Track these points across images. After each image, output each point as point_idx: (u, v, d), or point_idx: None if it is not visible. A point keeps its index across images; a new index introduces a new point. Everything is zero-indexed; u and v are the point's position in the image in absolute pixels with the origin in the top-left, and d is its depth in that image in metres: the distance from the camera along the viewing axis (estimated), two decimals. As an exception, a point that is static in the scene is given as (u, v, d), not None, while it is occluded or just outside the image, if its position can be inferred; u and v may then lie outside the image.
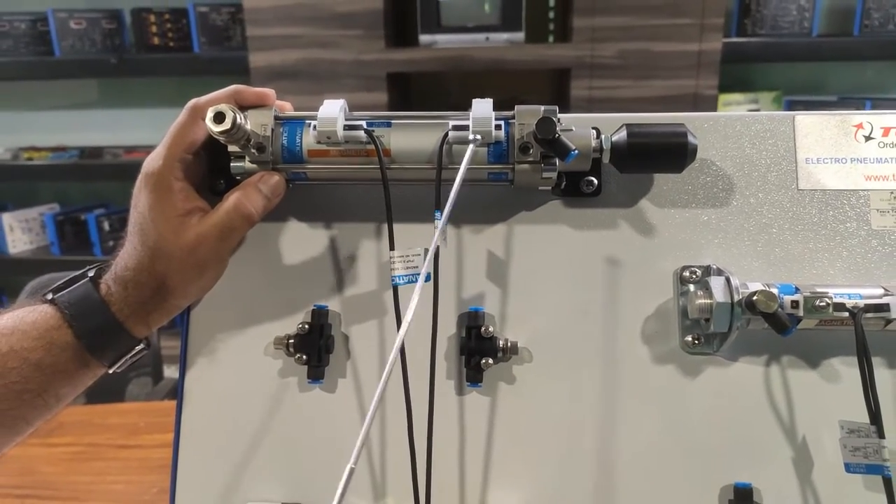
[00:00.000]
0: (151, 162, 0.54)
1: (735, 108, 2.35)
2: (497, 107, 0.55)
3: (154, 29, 2.49)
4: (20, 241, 2.73)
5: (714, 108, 2.18)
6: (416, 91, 2.56)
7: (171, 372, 1.81)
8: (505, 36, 2.20)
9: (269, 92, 0.57)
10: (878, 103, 2.27)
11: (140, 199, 0.54)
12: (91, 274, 0.55)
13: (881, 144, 0.58)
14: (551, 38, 2.31)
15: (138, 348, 0.56)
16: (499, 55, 2.18)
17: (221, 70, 2.43)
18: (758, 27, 2.26)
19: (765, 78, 2.47)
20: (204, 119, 0.54)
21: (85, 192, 2.88)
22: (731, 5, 2.28)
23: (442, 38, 2.21)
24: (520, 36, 2.19)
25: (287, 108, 0.58)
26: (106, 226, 2.64)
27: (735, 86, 2.37)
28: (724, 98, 2.29)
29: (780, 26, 2.25)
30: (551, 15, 2.31)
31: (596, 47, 2.12)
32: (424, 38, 2.21)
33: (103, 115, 2.79)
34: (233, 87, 0.56)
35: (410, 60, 2.22)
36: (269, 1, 2.16)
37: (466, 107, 0.55)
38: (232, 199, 0.55)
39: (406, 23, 2.36)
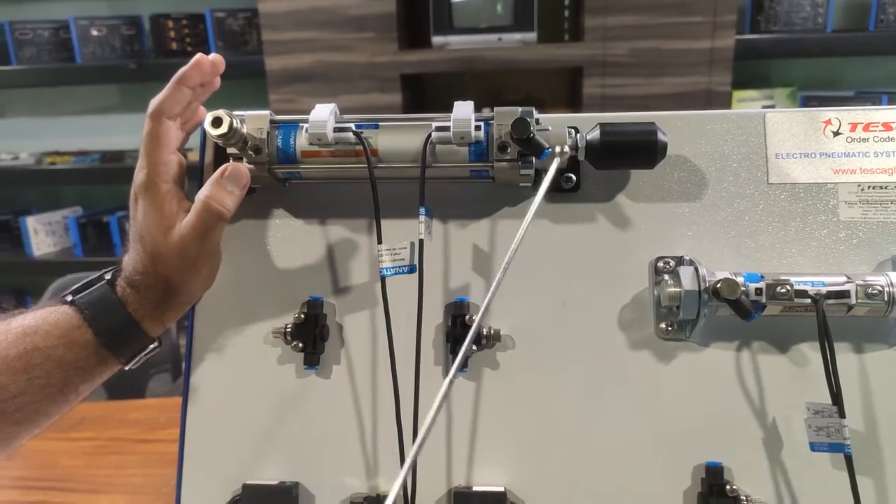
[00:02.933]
0: (138, 174, 0.58)
1: (749, 105, 2.35)
2: (511, 106, 0.57)
3: (172, 34, 2.53)
4: (44, 244, 2.78)
5: (728, 105, 2.18)
6: (430, 92, 2.59)
7: (190, 369, 1.84)
8: (517, 36, 2.21)
9: (201, 59, 0.58)
10: (895, 97, 2.26)
11: (136, 209, 0.58)
12: (108, 277, 0.59)
13: (849, 139, 0.60)
14: (566, 37, 2.33)
15: (152, 346, 0.59)
16: (511, 55, 2.20)
17: (238, 74, 2.47)
18: (771, 23, 2.26)
19: (780, 74, 2.46)
20: (168, 117, 0.57)
21: (107, 195, 2.93)
22: (744, 2, 2.28)
23: (454, 40, 2.23)
24: (532, 36, 2.20)
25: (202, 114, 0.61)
26: (128, 227, 2.68)
27: (750, 82, 2.37)
28: (738, 94, 2.29)
29: (793, 22, 2.25)
30: (566, 14, 2.33)
31: (608, 46, 2.13)
32: (437, 39, 2.23)
33: (124, 120, 2.84)
34: (175, 76, 0.58)
35: (423, 62, 2.24)
36: (284, 6, 2.21)
37: (482, 106, 0.58)
38: (200, 201, 0.57)
39: (419, 25, 2.38)
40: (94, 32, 2.53)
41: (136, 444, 1.11)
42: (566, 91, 2.52)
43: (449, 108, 0.58)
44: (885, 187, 0.59)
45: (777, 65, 2.47)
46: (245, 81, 2.52)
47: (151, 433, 1.14)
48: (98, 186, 2.94)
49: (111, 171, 2.69)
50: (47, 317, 0.56)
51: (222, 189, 0.57)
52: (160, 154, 0.57)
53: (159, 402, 1.41)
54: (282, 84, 2.27)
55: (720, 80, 2.12)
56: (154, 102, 0.57)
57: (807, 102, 2.35)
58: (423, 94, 2.56)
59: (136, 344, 0.58)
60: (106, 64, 2.55)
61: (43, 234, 2.78)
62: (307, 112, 0.59)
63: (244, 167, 0.59)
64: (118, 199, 2.90)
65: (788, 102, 2.37)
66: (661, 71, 2.13)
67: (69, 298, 0.57)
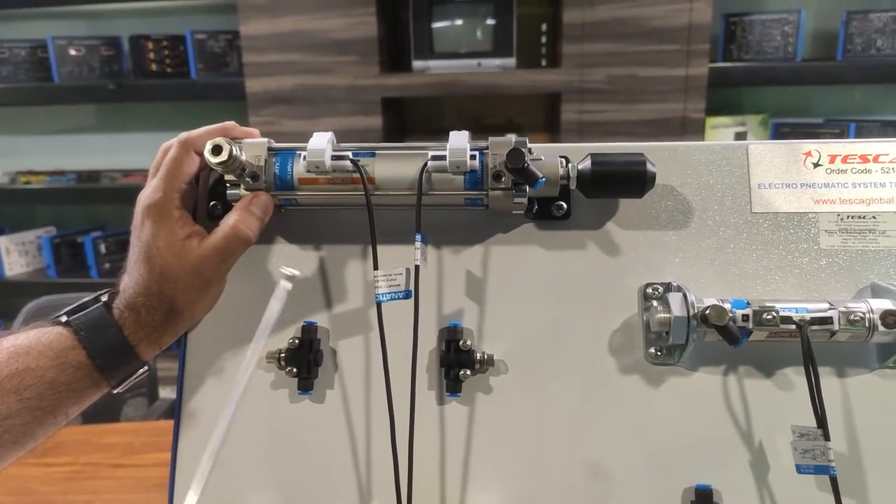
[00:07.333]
0: (151, 194, 0.58)
1: (722, 131, 2.40)
2: (490, 130, 0.59)
3: (152, 55, 2.53)
4: (17, 264, 2.75)
5: (701, 132, 2.22)
6: (410, 115, 2.61)
7: (165, 393, 1.83)
8: (497, 62, 2.25)
9: (255, 131, 0.62)
10: (863, 125, 2.32)
11: (143, 230, 0.57)
12: (104, 299, 0.58)
13: (828, 171, 0.62)
14: (544, 63, 2.37)
15: (142, 370, 0.59)
16: (491, 80, 2.23)
17: (218, 95, 2.48)
18: (743, 52, 2.32)
19: (752, 101, 2.52)
20: (196, 152, 0.58)
21: (82, 215, 2.90)
22: (717, 31, 2.34)
23: (435, 64, 2.26)
24: (511, 62, 2.24)
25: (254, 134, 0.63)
26: (102, 248, 2.65)
27: (723, 109, 2.42)
28: (711, 121, 2.34)
29: (765, 51, 2.31)
30: (543, 40, 2.36)
31: (585, 72, 2.17)
32: (418, 63, 2.26)
33: (101, 140, 2.83)
34: (222, 124, 0.61)
35: (404, 86, 2.26)
36: (266, 28, 2.22)
37: (460, 130, 0.60)
38: (229, 223, 0.59)
39: (400, 49, 2.41)
40: (73, 52, 2.52)
41: (112, 469, 1.10)
42: (545, 116, 2.56)
43: (429, 132, 0.59)
44: (863, 217, 0.61)
45: (749, 92, 2.53)
46: (225, 103, 2.52)
47: (127, 458, 1.13)
48: (73, 206, 2.91)
49: (86, 191, 2.67)
50: (41, 337, 0.56)
51: (251, 215, 0.59)
52: (178, 181, 0.59)
53: (134, 427, 1.40)
54: (262, 106, 2.27)
55: (694, 108, 2.17)
56: (186, 133, 0.60)
57: (778, 129, 2.41)
58: (404, 118, 2.58)
59: (129, 367, 0.58)
60: (84, 84, 2.54)
61: (16, 255, 2.74)
62: (288, 134, 0.59)
63: (269, 197, 0.61)
64: (93, 220, 2.87)
65: (760, 129, 2.42)
66: (638, 98, 2.17)
67: (63, 319, 0.57)
